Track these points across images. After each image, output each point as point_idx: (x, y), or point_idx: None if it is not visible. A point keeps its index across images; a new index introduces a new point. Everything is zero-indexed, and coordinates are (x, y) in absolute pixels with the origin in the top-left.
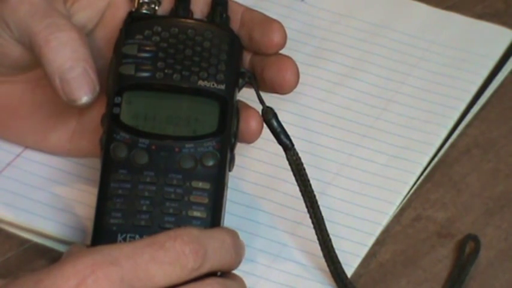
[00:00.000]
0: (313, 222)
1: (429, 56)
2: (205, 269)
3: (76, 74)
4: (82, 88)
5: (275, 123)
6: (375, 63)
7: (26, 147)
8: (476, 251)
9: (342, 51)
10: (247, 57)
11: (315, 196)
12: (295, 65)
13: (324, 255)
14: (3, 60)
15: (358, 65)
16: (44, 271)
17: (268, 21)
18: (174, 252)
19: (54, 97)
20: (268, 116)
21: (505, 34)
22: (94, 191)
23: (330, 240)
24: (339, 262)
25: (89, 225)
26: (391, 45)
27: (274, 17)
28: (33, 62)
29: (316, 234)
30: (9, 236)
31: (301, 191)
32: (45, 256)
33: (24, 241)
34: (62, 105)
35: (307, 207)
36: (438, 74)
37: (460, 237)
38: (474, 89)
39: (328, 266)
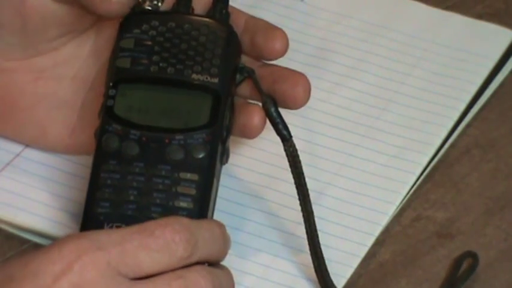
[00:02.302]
0: (303, 216)
1: (429, 56)
2: (195, 258)
3: None
4: None
5: (274, 114)
6: (375, 63)
7: (24, 142)
8: (473, 268)
9: (341, 51)
10: (254, 64)
11: (307, 190)
12: (309, 83)
13: (310, 249)
14: (16, 21)
15: (358, 65)
16: (30, 255)
17: (271, 28)
18: (164, 240)
19: (56, 90)
20: (268, 106)
21: (505, 34)
22: None
23: (318, 236)
24: (323, 258)
25: None
26: (391, 45)
27: (274, 17)
28: (44, 22)
29: (305, 227)
30: (8, 236)
31: (295, 183)
32: None
33: (24, 241)
34: (63, 99)
35: (299, 200)
36: (438, 74)
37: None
38: (474, 89)
39: (313, 261)
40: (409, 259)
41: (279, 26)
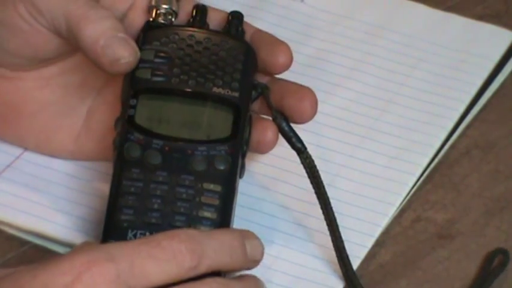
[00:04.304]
0: (327, 224)
1: (429, 57)
2: (203, 268)
3: (118, 38)
4: (125, 48)
5: (286, 128)
6: (375, 64)
7: (27, 148)
8: (504, 264)
9: (341, 52)
10: (263, 79)
11: (328, 198)
12: (316, 98)
13: (337, 256)
14: (26, 50)
15: (358, 66)
16: (40, 266)
17: (275, 42)
18: (171, 250)
19: (62, 97)
20: (279, 121)
21: (505, 35)
22: (93, 192)
23: (342, 241)
24: (350, 264)
25: (88, 226)
26: (391, 46)
27: (274, 18)
28: (56, 53)
29: (330, 235)
30: (9, 238)
31: (316, 193)
32: (45, 257)
33: (24, 242)
34: (69, 105)
35: (321, 208)
36: (438, 75)
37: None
38: (474, 90)
39: (340, 266)
40: (409, 260)
41: (279, 27)
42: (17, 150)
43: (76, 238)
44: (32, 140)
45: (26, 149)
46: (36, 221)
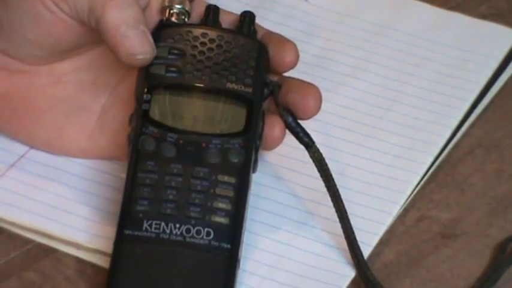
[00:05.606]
0: (338, 216)
1: (433, 56)
2: None
3: (138, 32)
4: (143, 45)
5: (293, 123)
6: (379, 63)
7: (37, 145)
8: None
9: (345, 51)
10: (274, 78)
11: (338, 190)
12: (320, 94)
13: (348, 248)
14: (47, 40)
15: (362, 65)
16: None
17: (282, 41)
18: None
19: (75, 94)
20: (286, 117)
21: (509, 34)
22: (97, 192)
23: (353, 232)
24: (361, 255)
25: (92, 225)
26: (395, 45)
27: (279, 17)
28: (76, 44)
29: (342, 227)
30: (12, 236)
31: (325, 186)
32: (48, 256)
33: (28, 241)
34: (82, 103)
35: (332, 201)
36: (442, 74)
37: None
38: (478, 89)
39: (352, 257)
40: (413, 259)
41: (283, 26)
42: (21, 149)
43: (80, 237)
44: (42, 137)
45: (31, 147)
46: (40, 220)
